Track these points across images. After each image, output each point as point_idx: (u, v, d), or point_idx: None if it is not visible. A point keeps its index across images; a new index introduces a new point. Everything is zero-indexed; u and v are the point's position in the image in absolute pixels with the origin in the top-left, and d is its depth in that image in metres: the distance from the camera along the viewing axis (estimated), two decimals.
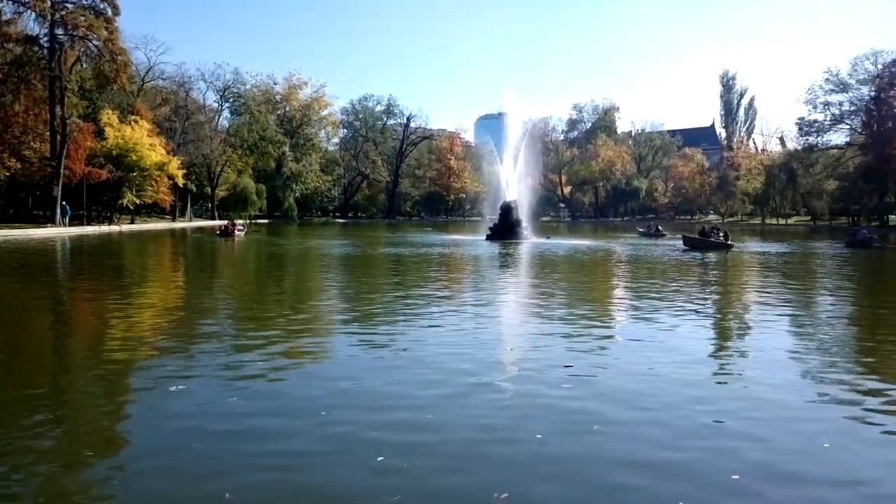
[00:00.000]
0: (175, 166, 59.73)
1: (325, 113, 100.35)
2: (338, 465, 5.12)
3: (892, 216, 77.23)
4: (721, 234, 34.60)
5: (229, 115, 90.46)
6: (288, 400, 6.74)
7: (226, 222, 50.01)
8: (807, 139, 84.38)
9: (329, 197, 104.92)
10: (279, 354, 8.67)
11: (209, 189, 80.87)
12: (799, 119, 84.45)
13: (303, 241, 42.56)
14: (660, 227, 37.00)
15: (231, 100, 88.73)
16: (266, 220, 79.15)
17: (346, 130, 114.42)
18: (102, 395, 7.07)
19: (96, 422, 6.17)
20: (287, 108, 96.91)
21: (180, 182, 62.11)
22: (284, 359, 8.46)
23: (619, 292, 16.71)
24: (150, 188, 58.21)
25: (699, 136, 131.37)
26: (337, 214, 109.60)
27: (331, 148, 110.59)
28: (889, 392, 7.24)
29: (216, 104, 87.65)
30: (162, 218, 70.55)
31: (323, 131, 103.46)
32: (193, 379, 7.43)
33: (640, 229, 39.49)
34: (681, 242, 35.75)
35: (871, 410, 6.57)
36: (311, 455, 5.29)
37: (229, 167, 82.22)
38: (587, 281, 19.73)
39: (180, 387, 7.08)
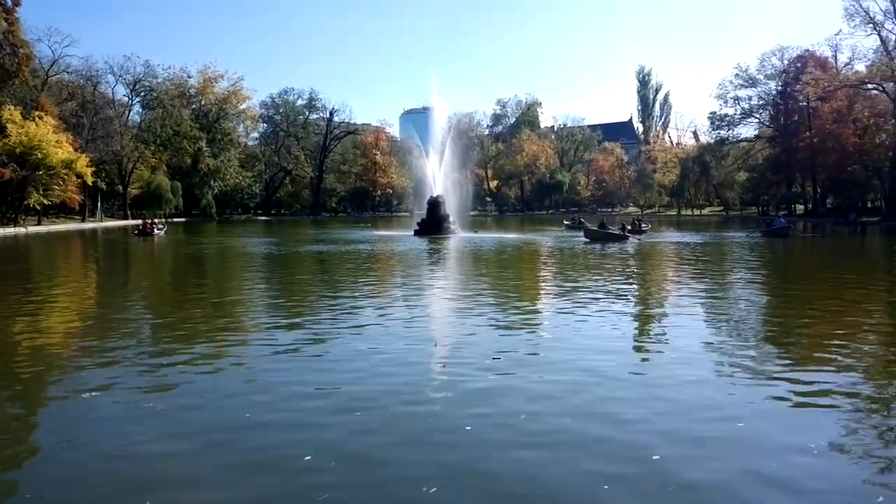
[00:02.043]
0: (84, 164, 56.95)
1: (243, 107, 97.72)
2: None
3: (799, 206, 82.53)
4: (620, 227, 36.05)
5: (141, 110, 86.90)
6: (207, 413, 6.56)
7: (143, 221, 48.02)
8: (718, 133, 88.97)
9: (250, 193, 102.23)
10: (196, 362, 8.38)
11: (121, 187, 77.47)
12: (711, 113, 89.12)
13: (223, 239, 41.36)
14: (582, 220, 38.06)
15: (142, 94, 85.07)
16: (183, 219, 76.37)
17: (266, 125, 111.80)
18: None
19: None
20: (203, 102, 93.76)
21: (89, 180, 59.19)
22: (202, 367, 8.18)
23: (543, 286, 17.08)
24: (57, 187, 55.36)
25: (618, 131, 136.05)
26: (259, 212, 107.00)
27: (250, 143, 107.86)
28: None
29: (126, 98, 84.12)
30: (71, 218, 66.98)
31: (242, 126, 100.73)
32: (105, 390, 7.10)
33: (567, 223, 40.46)
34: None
35: (787, 397, 7.01)
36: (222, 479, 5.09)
37: (142, 164, 79.00)
38: (512, 276, 20.04)
39: (93, 394, 6.83)
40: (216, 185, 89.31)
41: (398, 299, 13.99)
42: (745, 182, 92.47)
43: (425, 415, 6.20)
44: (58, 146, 54.20)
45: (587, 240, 33.64)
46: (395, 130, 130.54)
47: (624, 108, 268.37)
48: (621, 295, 14.13)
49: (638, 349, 9.26)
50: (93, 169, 59.38)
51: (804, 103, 74.48)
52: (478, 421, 6.01)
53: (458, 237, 38.20)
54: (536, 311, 12.51)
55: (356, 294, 14.54)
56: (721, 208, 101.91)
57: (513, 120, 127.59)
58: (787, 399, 6.73)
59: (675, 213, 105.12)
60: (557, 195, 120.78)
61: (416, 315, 11.93)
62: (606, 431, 5.78)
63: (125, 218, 75.51)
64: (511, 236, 40.22)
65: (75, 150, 57.67)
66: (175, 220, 61.63)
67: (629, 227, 44.79)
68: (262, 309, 12.92)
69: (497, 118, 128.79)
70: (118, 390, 7.07)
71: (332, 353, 8.74)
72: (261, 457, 5.25)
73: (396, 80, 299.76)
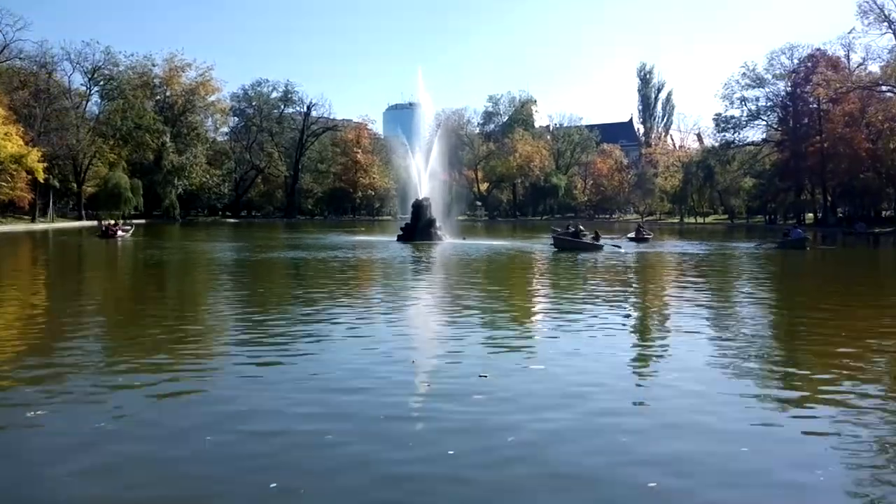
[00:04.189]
0: (35, 159, 56.41)
1: (212, 99, 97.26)
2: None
3: (808, 214, 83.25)
4: (592, 235, 36.08)
5: (100, 101, 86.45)
6: (161, 429, 6.40)
7: (102, 221, 47.50)
8: (724, 135, 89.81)
9: (218, 193, 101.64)
10: (149, 386, 8.22)
11: (75, 185, 76.73)
12: (716, 115, 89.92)
13: (187, 244, 41.02)
14: (582, 227, 38.07)
15: (102, 83, 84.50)
16: (143, 221, 75.76)
17: (237, 119, 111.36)
18: None
19: None
20: (168, 94, 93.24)
21: (41, 177, 58.60)
22: (153, 393, 8.02)
23: (535, 300, 17.06)
24: (5, 184, 54.90)
25: (617, 132, 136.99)
26: (227, 213, 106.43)
27: (220, 138, 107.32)
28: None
29: (84, 88, 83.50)
30: (20, 218, 66.09)
31: (210, 119, 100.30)
32: (32, 429, 6.91)
33: (557, 229, 40.40)
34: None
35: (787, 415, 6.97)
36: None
37: (99, 160, 78.39)
38: (503, 287, 20.01)
39: (38, 412, 6.72)
40: (181, 183, 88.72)
41: (377, 312, 13.89)
42: (752, 189, 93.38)
43: (403, 438, 6.11)
44: (6, 139, 53.67)
45: (555, 248, 33.51)
46: (378, 127, 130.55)
47: (624, 108, 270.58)
48: (618, 310, 14.11)
49: (634, 366, 9.22)
50: (45, 164, 58.85)
51: (815, 105, 75.38)
52: (461, 458, 5.90)
53: (444, 244, 38.14)
54: (527, 327, 12.47)
55: (330, 307, 14.43)
56: (726, 216, 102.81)
57: (505, 118, 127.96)
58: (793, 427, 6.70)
59: (677, 220, 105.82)
60: (552, 200, 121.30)
61: (397, 330, 11.82)
62: (601, 457, 5.78)
63: (79, 218, 74.73)
64: (502, 244, 40.23)
65: (26, 143, 57.11)
66: (135, 221, 61.00)
67: (631, 236, 45.16)
68: (228, 323, 12.74)
69: (488, 116, 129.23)
70: (56, 419, 6.87)
71: (299, 373, 8.61)
72: None
73: (380, 74, 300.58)
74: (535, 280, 21.77)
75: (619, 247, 34.80)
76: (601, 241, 35.34)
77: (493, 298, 16.23)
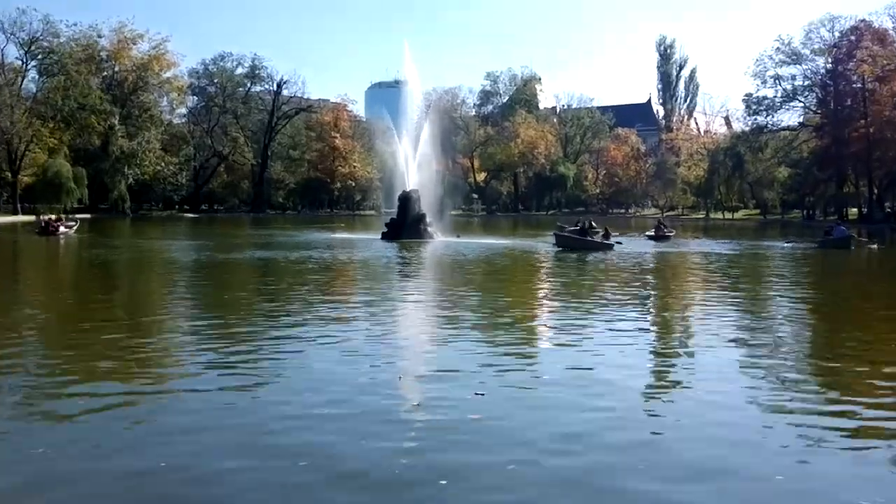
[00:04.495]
0: None
1: (167, 75, 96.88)
2: None
3: (852, 209, 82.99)
4: (601, 233, 36.25)
5: (37, 77, 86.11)
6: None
7: (47, 217, 47.19)
8: (755, 119, 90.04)
9: (174, 184, 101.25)
10: (89, 406, 8.09)
11: (9, 174, 76.30)
12: (746, 95, 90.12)
13: (140, 242, 40.79)
14: (594, 224, 38.07)
15: (40, 56, 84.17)
16: (88, 215, 75.35)
17: (196, 98, 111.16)
18: None
19: None
20: (116, 69, 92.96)
21: None
22: (107, 408, 7.90)
23: (539, 308, 17.00)
24: None
25: (634, 115, 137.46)
26: (185, 207, 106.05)
27: (176, 121, 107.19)
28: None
29: (19, 62, 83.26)
30: None
31: (165, 99, 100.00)
32: None
33: (565, 226, 40.33)
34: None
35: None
36: None
37: (37, 145, 77.98)
38: (503, 293, 19.95)
39: None
40: (131, 172, 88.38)
41: (358, 321, 13.80)
42: (787, 180, 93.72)
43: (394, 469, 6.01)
44: None
45: (558, 247, 33.57)
46: (359, 108, 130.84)
47: (641, 88, 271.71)
48: (632, 321, 14.07)
49: (651, 389, 9.14)
50: None
51: (859, 85, 75.67)
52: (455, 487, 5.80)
53: (436, 242, 38.10)
54: (529, 340, 12.42)
55: (304, 316, 14.35)
56: (757, 211, 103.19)
57: (505, 98, 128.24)
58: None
59: (702, 216, 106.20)
60: (559, 192, 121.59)
61: (381, 342, 11.73)
62: (618, 481, 5.76)
63: (15, 212, 74.24)
64: (502, 242, 40.22)
65: None
66: (79, 215, 60.63)
67: (650, 233, 45.18)
68: (185, 336, 12.62)
69: (486, 96, 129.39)
70: None
71: (268, 394, 8.50)
72: None
73: (362, 48, 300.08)
74: (538, 285, 21.70)
75: (621, 243, 34.75)
76: (611, 240, 35.33)
77: (490, 307, 16.15)
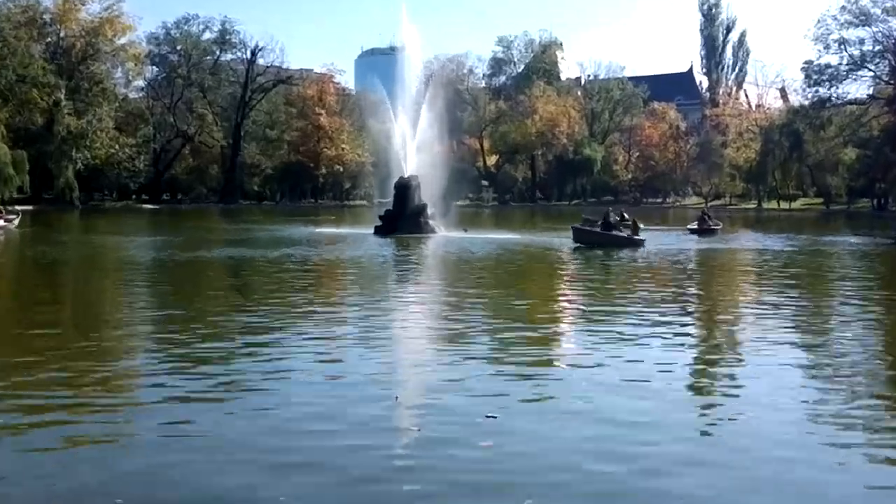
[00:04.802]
0: None
1: (122, 41, 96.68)
2: None
3: None
4: (631, 226, 35.81)
5: None
6: None
7: None
8: (816, 91, 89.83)
9: (131, 170, 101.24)
10: (43, 433, 8.06)
11: None
12: (806, 63, 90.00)
13: (91, 237, 40.81)
14: (625, 214, 38.06)
15: None
16: (31, 206, 75.40)
17: (156, 69, 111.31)
18: None
19: None
20: (62, 34, 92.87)
21: None
22: (52, 437, 7.86)
23: (559, 314, 17.00)
24: None
25: (672, 86, 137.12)
26: (144, 196, 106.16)
27: (133, 95, 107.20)
28: None
29: None
30: None
31: (120, 69, 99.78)
32: None
33: (590, 218, 40.13)
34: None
35: None
36: None
37: None
38: (518, 300, 19.94)
39: None
40: (80, 156, 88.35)
41: (348, 331, 13.82)
42: (854, 163, 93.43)
43: None
44: None
45: (577, 244, 33.72)
46: (348, 80, 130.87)
47: (681, 55, 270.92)
48: (669, 330, 14.03)
49: (693, 405, 9.09)
50: None
51: None
52: None
53: (438, 238, 38.18)
54: (548, 353, 12.41)
55: (285, 325, 14.36)
56: (819, 200, 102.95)
57: (521, 68, 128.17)
58: None
59: (753, 205, 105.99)
60: (585, 178, 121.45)
61: (375, 356, 11.73)
62: None
63: None
64: (516, 237, 40.17)
65: None
66: (20, 207, 60.62)
67: (693, 227, 45.10)
68: (145, 349, 12.62)
69: (498, 65, 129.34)
70: None
71: (243, 419, 8.44)
72: None
73: (351, 7, 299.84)
74: (558, 289, 21.67)
75: (642, 241, 34.43)
76: (641, 235, 35.15)
77: (502, 313, 16.12)
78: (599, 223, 35.33)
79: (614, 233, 34.47)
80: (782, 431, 8.06)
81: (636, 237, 34.47)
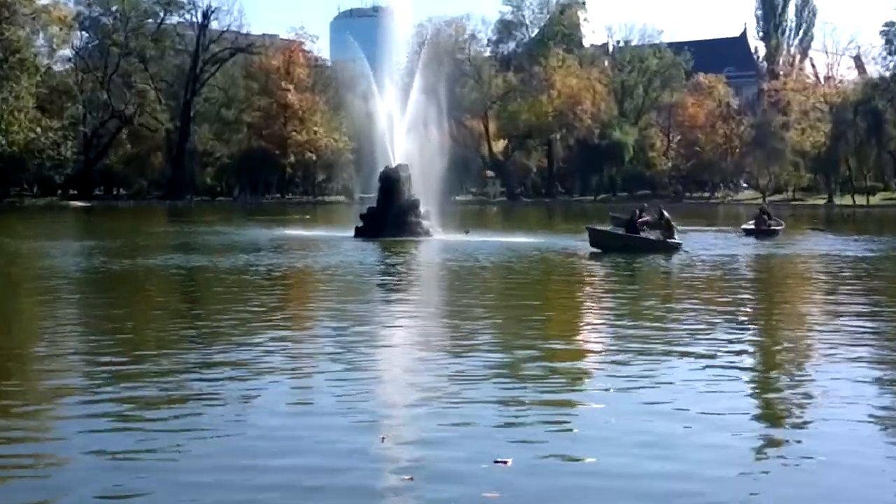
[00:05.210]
0: None
1: (44, 2, 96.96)
2: None
3: None
4: (663, 228, 35.50)
5: None
6: None
7: None
8: None
9: (56, 158, 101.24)
10: None
11: None
12: (886, 25, 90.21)
13: (5, 241, 40.73)
14: (664, 212, 38.00)
15: None
16: None
17: (87, 35, 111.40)
18: None
19: None
20: None
21: None
22: None
23: (578, 336, 17.05)
24: None
25: (722, 55, 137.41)
26: (73, 192, 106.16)
27: (58, 67, 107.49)
28: None
29: None
30: None
31: (42, 36, 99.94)
32: None
33: (619, 216, 40.23)
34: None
35: None
36: None
37: None
38: (527, 314, 19.98)
39: None
40: None
41: (322, 359, 13.80)
42: None
43: None
44: None
45: (595, 248, 33.90)
46: (322, 48, 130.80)
47: (733, 17, 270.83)
48: (725, 365, 14.05)
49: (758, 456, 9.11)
50: None
51: None
52: None
53: (433, 242, 38.26)
54: (569, 387, 12.35)
55: (247, 350, 14.36)
56: None
57: (534, 32, 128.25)
58: None
59: (822, 201, 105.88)
60: (613, 167, 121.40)
61: (356, 388, 11.73)
62: None
63: None
64: (529, 241, 40.06)
65: None
66: None
67: (749, 226, 45.05)
68: (75, 378, 12.64)
69: (506, 29, 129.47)
70: None
71: (191, 463, 8.48)
72: None
73: None
74: (580, 305, 21.63)
75: (680, 246, 34.21)
76: (677, 237, 34.96)
77: (512, 339, 16.10)
78: (626, 219, 35.35)
79: (642, 234, 34.43)
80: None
81: (671, 240, 34.35)
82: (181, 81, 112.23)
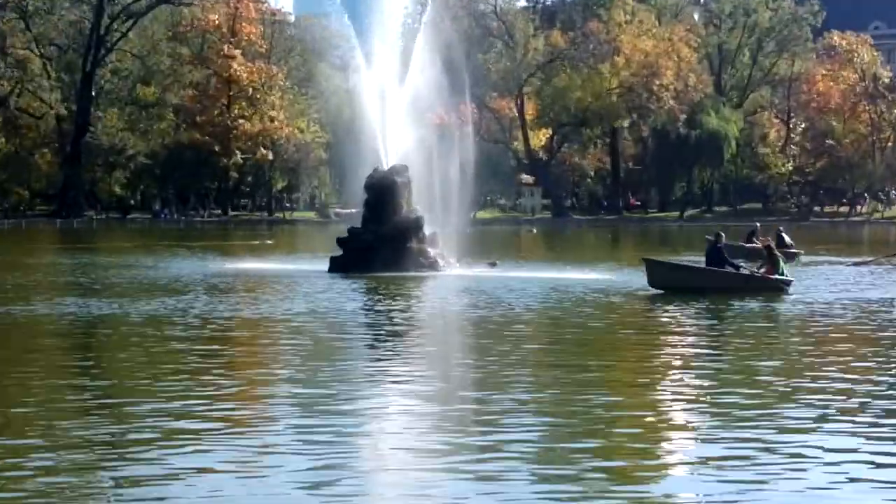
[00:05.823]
0: None
1: None
2: None
3: None
4: (764, 257, 35.81)
5: None
6: None
7: None
8: None
9: None
10: None
11: None
12: None
13: None
14: (784, 235, 38.06)
15: None
16: None
17: None
18: None
19: None
20: None
21: None
22: None
23: (658, 420, 17.04)
24: None
25: (866, 5, 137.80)
26: None
27: None
28: None
29: None
30: None
31: None
32: None
33: (712, 238, 40.44)
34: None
35: None
36: None
37: None
38: (578, 391, 19.95)
39: None
40: None
41: (284, 454, 13.76)
42: None
43: None
44: None
45: (654, 288, 34.88)
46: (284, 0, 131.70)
47: None
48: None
49: None
50: None
51: None
52: None
53: (445, 279, 38.52)
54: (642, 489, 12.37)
55: (176, 439, 14.30)
56: None
57: None
58: None
59: None
60: (709, 169, 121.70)
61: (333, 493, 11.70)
62: None
63: None
64: (582, 278, 40.04)
65: None
66: None
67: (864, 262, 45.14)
68: None
69: None
70: None
71: None
72: None
73: None
74: (656, 369, 21.60)
75: (785, 284, 34.28)
76: (785, 271, 34.93)
77: (561, 424, 16.09)
78: (709, 246, 35.50)
79: (727, 268, 34.47)
80: None
81: (778, 276, 34.24)
82: (79, 45, 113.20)
